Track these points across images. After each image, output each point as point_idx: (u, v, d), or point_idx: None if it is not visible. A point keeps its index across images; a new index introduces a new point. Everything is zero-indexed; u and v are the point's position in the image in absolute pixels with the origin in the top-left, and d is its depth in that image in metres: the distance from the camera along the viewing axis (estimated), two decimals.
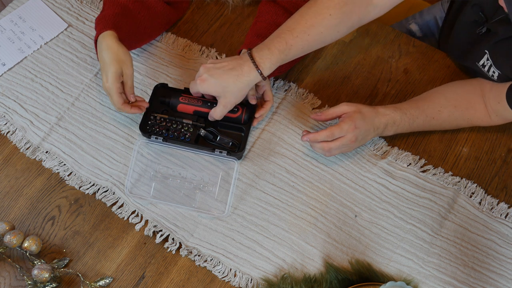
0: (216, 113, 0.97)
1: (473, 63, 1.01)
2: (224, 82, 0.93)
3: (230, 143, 1.03)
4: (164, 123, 1.02)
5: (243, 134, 1.03)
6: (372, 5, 0.95)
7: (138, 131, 1.04)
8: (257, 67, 0.92)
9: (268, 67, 0.93)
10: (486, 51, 0.96)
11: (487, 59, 0.96)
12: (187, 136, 1.02)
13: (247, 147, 1.04)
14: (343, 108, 0.97)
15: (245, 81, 0.93)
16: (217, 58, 1.13)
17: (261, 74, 0.93)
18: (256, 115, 1.03)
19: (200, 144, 1.02)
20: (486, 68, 0.97)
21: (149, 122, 1.02)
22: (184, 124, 1.03)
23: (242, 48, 1.05)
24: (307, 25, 0.93)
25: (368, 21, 0.98)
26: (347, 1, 0.93)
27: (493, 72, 0.96)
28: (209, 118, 1.00)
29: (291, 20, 0.95)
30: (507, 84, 0.95)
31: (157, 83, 1.07)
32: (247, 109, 1.03)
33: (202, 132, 1.02)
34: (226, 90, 0.94)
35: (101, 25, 1.00)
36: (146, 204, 0.99)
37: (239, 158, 1.02)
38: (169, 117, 1.03)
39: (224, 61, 0.96)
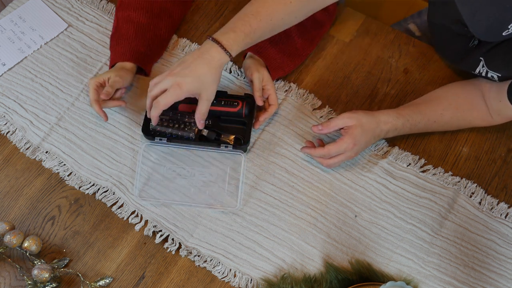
0: (202, 111, 0.93)
1: (469, 71, 1.01)
2: (199, 73, 0.89)
3: (234, 138, 1.03)
4: (166, 124, 1.02)
5: (245, 127, 1.03)
6: None
7: (138, 131, 1.04)
8: (225, 49, 0.90)
9: (235, 50, 0.91)
10: (481, 58, 0.95)
11: (483, 66, 0.96)
12: (191, 134, 1.02)
13: (247, 147, 1.04)
14: (344, 120, 0.96)
15: (217, 64, 0.90)
16: None
17: (230, 56, 0.90)
18: (260, 118, 1.03)
19: (204, 140, 1.02)
20: (483, 74, 0.97)
21: (151, 124, 1.02)
22: (187, 123, 1.03)
23: (248, 52, 1.07)
24: (269, 11, 0.93)
25: (325, 6, 0.98)
26: None
27: (492, 76, 0.96)
28: (197, 120, 0.94)
29: (254, 4, 0.94)
30: (508, 82, 0.95)
31: None
32: (247, 103, 1.03)
33: (205, 132, 1.02)
34: (204, 81, 0.90)
35: (126, 57, 1.07)
36: (158, 205, 0.99)
37: (245, 150, 1.02)
38: (171, 117, 1.03)
39: (185, 59, 0.91)
